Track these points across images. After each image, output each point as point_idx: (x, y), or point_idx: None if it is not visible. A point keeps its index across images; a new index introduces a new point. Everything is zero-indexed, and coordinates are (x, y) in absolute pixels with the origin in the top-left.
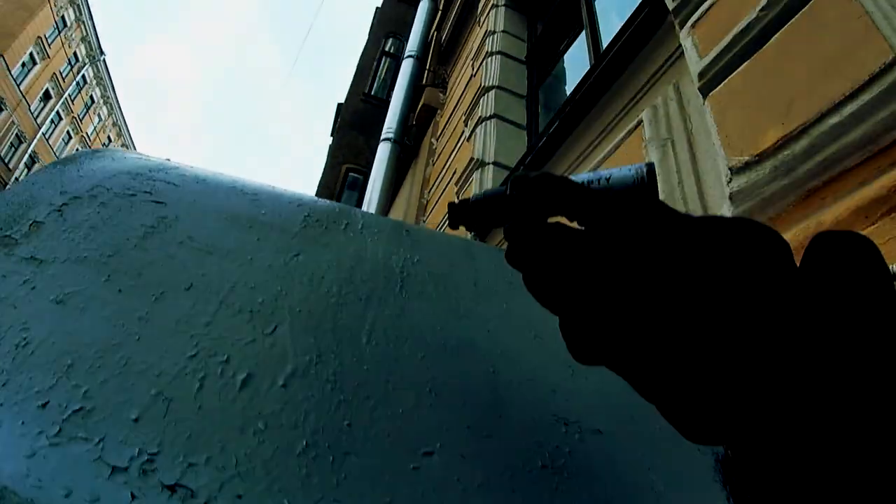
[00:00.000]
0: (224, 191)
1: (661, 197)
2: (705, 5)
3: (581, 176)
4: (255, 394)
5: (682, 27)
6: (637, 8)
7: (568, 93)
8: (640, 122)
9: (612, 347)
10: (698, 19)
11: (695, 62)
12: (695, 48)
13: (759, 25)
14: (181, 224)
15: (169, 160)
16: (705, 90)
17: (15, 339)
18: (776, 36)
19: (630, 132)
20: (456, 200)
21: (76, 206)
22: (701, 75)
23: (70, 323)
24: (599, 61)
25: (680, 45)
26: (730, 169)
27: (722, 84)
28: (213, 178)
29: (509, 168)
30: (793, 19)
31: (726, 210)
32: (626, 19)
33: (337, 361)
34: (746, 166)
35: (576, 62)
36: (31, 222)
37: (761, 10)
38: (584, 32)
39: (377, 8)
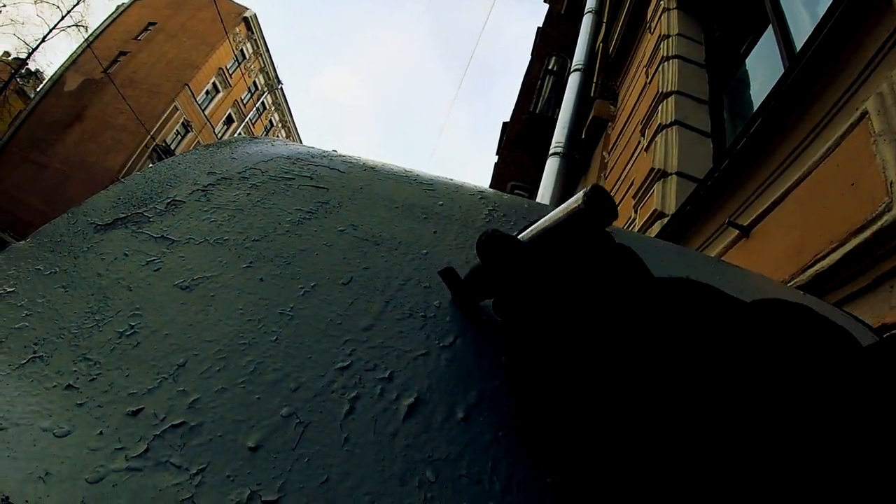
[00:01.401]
0: (396, 179)
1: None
2: None
3: (531, 227)
4: (426, 427)
5: None
6: None
7: (754, 97)
8: (864, 114)
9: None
10: None
11: None
12: None
13: None
14: (344, 211)
15: (335, 150)
16: None
17: (120, 326)
18: None
19: (852, 126)
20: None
21: (223, 187)
22: None
23: (193, 313)
24: (805, 49)
25: None
26: None
27: None
28: (383, 167)
29: (696, 179)
30: None
31: None
32: (818, 4)
33: None
34: None
35: (763, 62)
36: (169, 201)
37: None
38: (770, 28)
39: (538, 28)
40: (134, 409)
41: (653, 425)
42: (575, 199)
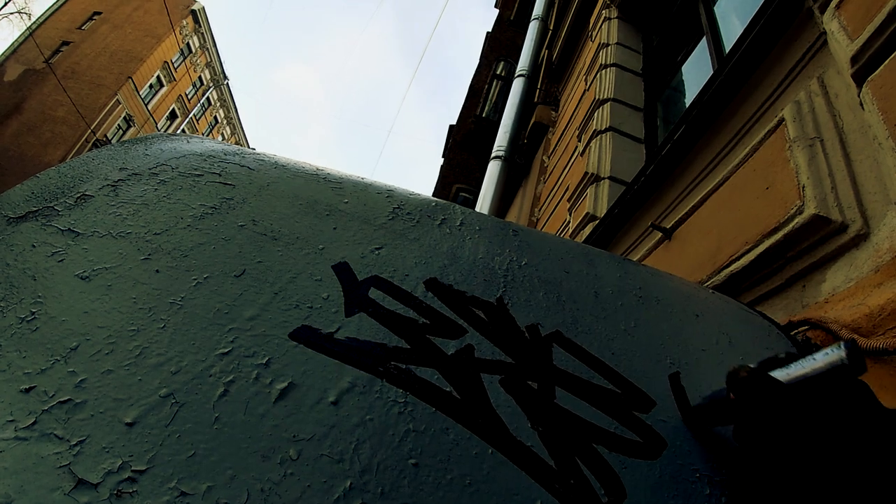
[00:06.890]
0: (304, 177)
1: (813, 206)
2: None
3: (786, 369)
4: (295, 409)
5: (823, 10)
6: None
7: (686, 104)
8: (781, 121)
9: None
10: None
11: (844, 47)
12: (843, 31)
13: None
14: (247, 207)
15: (254, 149)
16: (861, 76)
17: (22, 313)
18: None
19: (770, 132)
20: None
21: (133, 183)
22: (854, 60)
23: (90, 301)
24: (730, 57)
25: (821, 34)
26: None
27: (883, 65)
28: (294, 165)
29: (627, 183)
30: None
31: (892, 216)
32: (749, 18)
33: None
34: None
35: (696, 71)
36: (79, 195)
37: None
38: (704, 39)
39: (488, 33)
40: (27, 387)
41: None
42: (836, 353)
